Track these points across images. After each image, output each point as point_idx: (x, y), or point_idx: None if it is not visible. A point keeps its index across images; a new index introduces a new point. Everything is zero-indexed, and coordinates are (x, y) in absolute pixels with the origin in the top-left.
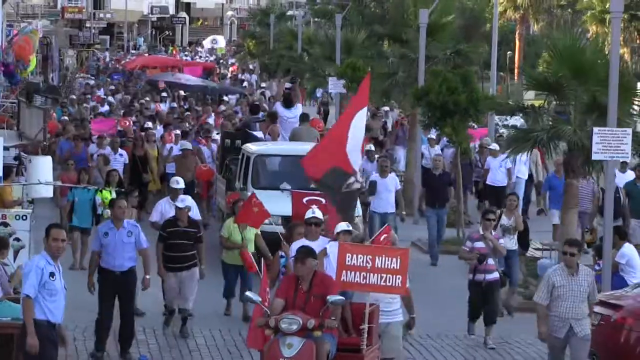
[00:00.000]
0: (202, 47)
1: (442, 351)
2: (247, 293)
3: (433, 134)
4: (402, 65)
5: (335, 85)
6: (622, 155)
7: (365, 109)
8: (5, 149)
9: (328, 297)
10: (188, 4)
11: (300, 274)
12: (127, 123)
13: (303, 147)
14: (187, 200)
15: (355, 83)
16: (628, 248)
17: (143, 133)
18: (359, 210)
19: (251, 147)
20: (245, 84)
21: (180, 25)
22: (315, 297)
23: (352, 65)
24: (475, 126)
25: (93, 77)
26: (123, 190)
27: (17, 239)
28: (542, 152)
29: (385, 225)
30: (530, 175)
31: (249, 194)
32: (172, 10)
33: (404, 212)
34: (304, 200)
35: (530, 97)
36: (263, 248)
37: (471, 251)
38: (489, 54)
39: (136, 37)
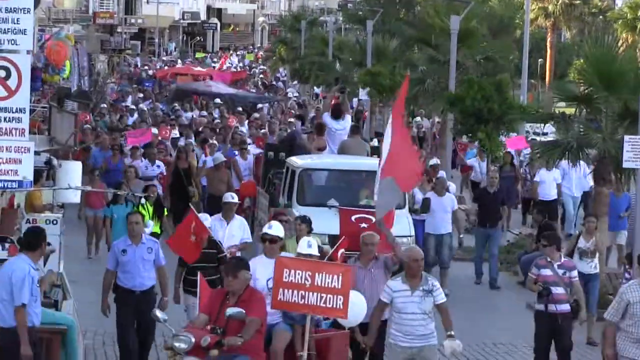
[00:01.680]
0: (231, 54)
1: (473, 354)
2: (155, 311)
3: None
4: (431, 71)
5: (362, 92)
6: None
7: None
8: (36, 153)
9: (226, 310)
10: (219, 10)
11: (230, 288)
12: (167, 133)
13: (352, 161)
14: (209, 220)
15: (374, 90)
16: None
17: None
18: (411, 230)
19: (296, 161)
20: (291, 92)
21: (212, 31)
22: None
23: (372, 72)
24: (514, 134)
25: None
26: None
27: (48, 243)
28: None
29: (342, 239)
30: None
31: (295, 211)
32: (203, 16)
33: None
34: (353, 218)
35: (561, 104)
36: None
37: (538, 279)
38: (520, 61)
39: (167, 43)
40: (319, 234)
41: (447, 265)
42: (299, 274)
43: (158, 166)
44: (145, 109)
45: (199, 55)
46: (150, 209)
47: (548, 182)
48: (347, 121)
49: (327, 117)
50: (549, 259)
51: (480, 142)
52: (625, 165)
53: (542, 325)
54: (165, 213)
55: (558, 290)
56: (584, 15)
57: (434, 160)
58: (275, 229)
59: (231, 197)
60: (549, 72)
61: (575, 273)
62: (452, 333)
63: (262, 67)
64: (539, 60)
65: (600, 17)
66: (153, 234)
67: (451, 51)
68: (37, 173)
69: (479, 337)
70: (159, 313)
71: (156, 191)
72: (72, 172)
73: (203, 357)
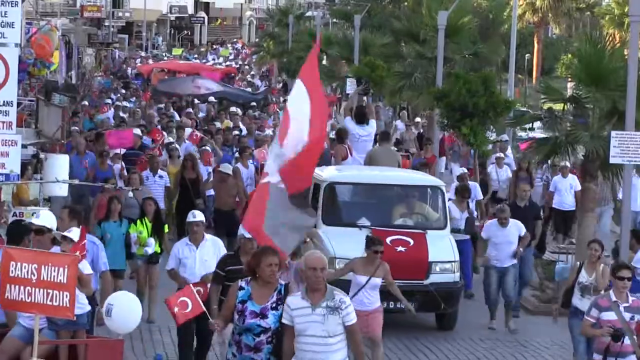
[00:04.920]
0: (215, 49)
1: (461, 350)
2: None
3: (500, 153)
4: (419, 65)
5: (353, 86)
6: None
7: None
8: (23, 146)
9: None
10: (207, 4)
11: None
12: (160, 137)
13: (385, 174)
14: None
15: (373, 82)
16: None
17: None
18: (455, 254)
19: (320, 173)
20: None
21: (199, 24)
22: None
23: (370, 65)
24: (492, 133)
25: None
26: (162, 223)
27: None
28: None
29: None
30: None
31: (320, 231)
32: (190, 10)
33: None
34: (388, 240)
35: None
36: None
37: (598, 324)
38: (507, 57)
39: (155, 37)
40: (349, 258)
41: (512, 300)
42: (25, 267)
43: (161, 177)
44: (133, 106)
45: (175, 52)
46: (149, 225)
47: (564, 189)
48: (373, 126)
49: (349, 122)
50: (614, 299)
51: (465, 137)
52: (612, 160)
53: None
54: (166, 230)
55: (626, 340)
56: (571, 11)
57: (460, 170)
58: (43, 218)
59: (192, 216)
60: (536, 68)
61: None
62: None
63: (240, 62)
64: (526, 55)
65: (588, 13)
66: (153, 255)
67: (438, 46)
68: (24, 166)
69: (463, 331)
70: None
71: (154, 204)
72: (59, 165)
73: None
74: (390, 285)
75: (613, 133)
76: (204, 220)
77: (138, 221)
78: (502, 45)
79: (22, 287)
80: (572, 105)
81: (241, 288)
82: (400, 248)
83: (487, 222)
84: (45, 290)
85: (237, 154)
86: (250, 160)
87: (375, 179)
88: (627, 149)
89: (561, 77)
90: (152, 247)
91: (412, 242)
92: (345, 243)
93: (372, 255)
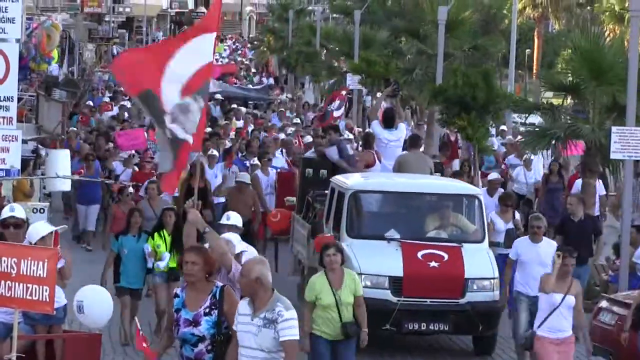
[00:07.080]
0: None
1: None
2: None
3: (529, 153)
4: (420, 61)
5: (353, 82)
6: None
7: (211, 35)
8: (24, 142)
9: None
10: None
11: None
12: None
13: (416, 182)
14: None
15: (371, 78)
16: None
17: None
18: (494, 271)
19: (345, 181)
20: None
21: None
22: None
23: (367, 60)
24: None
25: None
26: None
27: None
28: None
29: None
30: None
31: (345, 244)
32: (191, 5)
33: None
34: (419, 254)
35: (549, 95)
36: (361, 316)
37: None
38: (508, 52)
39: (155, 32)
40: (376, 275)
41: None
42: (4, 261)
43: None
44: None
45: None
46: (168, 239)
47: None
48: (402, 130)
49: (376, 126)
50: None
51: (462, 132)
52: (612, 156)
53: None
54: None
55: None
56: (572, 6)
57: (493, 175)
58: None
59: (226, 219)
60: (536, 63)
61: None
62: None
63: (238, 59)
64: (527, 50)
65: (588, 8)
66: (171, 270)
67: (439, 42)
68: (24, 162)
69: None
70: None
71: (174, 215)
72: (60, 160)
73: None
74: (578, 312)
75: (614, 128)
76: (239, 225)
77: (156, 234)
78: (503, 40)
79: (1, 282)
80: (572, 96)
81: (176, 295)
82: (433, 263)
83: (518, 239)
84: (25, 284)
85: (255, 160)
86: (272, 170)
87: (405, 187)
88: (627, 145)
89: (561, 72)
90: (166, 261)
91: (446, 256)
92: (372, 257)
93: (564, 268)
